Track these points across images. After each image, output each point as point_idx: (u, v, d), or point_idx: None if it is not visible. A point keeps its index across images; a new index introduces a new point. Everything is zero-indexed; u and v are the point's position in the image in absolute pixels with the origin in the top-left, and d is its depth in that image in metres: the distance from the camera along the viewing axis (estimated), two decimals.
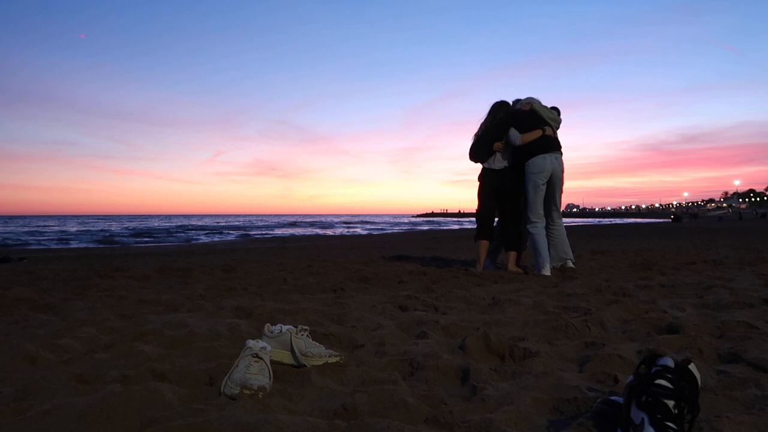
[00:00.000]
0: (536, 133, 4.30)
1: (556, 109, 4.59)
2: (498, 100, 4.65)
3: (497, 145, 4.43)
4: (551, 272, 4.20)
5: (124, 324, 2.30)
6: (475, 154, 4.60)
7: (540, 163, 4.21)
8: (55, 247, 15.05)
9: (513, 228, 4.51)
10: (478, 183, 4.68)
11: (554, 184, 4.34)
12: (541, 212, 4.31)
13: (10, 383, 1.49)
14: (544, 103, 4.55)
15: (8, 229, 32.68)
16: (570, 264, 4.48)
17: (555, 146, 4.35)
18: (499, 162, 4.50)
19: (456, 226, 36.02)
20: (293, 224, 45.96)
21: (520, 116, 4.40)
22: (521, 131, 4.31)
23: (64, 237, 22.01)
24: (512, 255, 4.45)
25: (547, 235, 4.38)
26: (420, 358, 1.65)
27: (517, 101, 4.62)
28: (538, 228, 4.29)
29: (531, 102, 4.47)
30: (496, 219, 4.71)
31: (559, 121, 4.54)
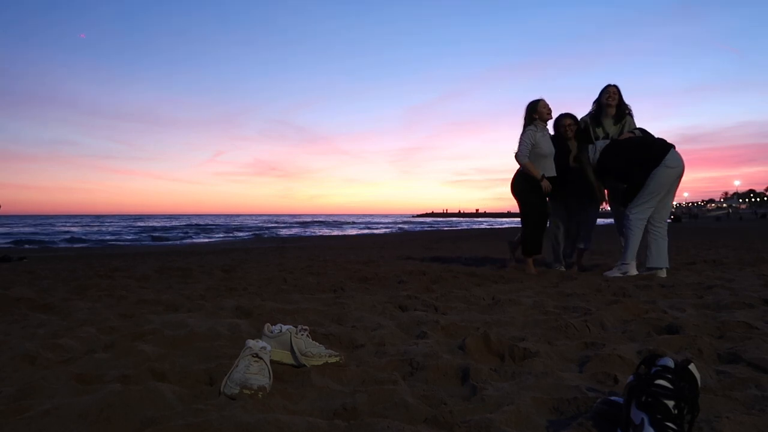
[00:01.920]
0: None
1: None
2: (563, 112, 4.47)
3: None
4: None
5: (124, 324, 2.30)
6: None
7: (678, 157, 4.02)
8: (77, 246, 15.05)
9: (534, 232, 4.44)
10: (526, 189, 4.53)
11: (677, 182, 4.16)
12: (655, 204, 4.08)
13: (10, 383, 1.49)
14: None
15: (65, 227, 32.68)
16: (664, 273, 4.05)
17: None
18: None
19: (456, 227, 36.01)
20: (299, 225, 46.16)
21: (645, 141, 4.21)
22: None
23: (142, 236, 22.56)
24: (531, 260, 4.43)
25: (654, 235, 4.10)
26: (420, 358, 1.65)
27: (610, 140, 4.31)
28: (645, 218, 4.05)
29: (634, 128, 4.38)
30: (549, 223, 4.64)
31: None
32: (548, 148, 4.36)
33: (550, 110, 4.42)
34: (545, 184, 4.31)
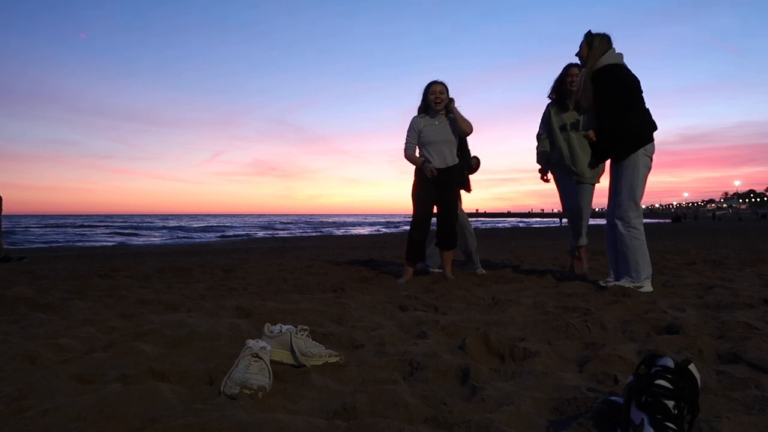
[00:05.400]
0: None
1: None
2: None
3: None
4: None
5: (124, 324, 2.30)
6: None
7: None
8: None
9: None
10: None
11: None
12: None
13: (10, 383, 1.49)
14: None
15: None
16: (650, 286, 3.16)
17: None
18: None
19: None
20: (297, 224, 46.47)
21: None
22: None
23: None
24: (449, 255, 3.98)
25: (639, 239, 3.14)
26: (420, 358, 1.65)
27: None
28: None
29: None
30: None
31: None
32: (435, 135, 3.82)
33: (438, 97, 3.76)
34: (426, 168, 3.79)
